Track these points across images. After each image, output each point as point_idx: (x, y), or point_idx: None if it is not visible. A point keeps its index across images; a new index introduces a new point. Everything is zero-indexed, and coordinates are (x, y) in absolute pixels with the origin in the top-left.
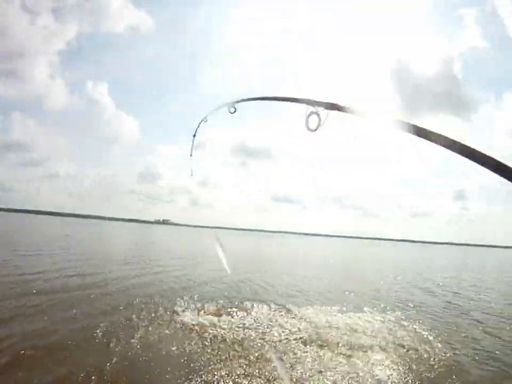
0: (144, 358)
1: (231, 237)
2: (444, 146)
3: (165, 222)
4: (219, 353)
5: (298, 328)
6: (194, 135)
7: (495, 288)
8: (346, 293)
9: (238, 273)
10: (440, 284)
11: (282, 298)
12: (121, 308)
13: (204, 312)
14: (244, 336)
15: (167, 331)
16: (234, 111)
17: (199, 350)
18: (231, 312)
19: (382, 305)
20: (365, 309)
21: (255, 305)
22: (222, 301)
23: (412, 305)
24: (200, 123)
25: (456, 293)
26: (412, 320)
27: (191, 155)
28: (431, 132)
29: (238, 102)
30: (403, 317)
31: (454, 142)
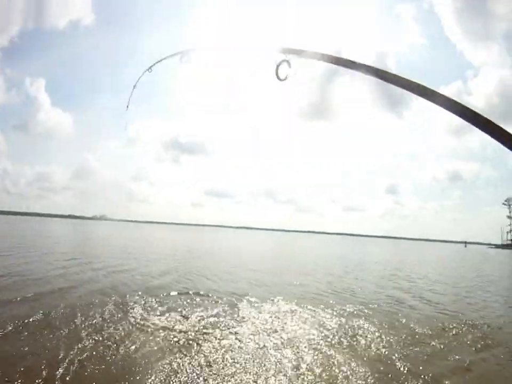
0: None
1: (169, 232)
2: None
3: (101, 218)
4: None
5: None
6: (134, 86)
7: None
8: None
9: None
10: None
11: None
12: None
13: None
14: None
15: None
16: (187, 61)
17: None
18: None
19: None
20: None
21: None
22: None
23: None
24: (144, 72)
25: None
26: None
27: (127, 107)
28: (417, 85)
29: (192, 50)
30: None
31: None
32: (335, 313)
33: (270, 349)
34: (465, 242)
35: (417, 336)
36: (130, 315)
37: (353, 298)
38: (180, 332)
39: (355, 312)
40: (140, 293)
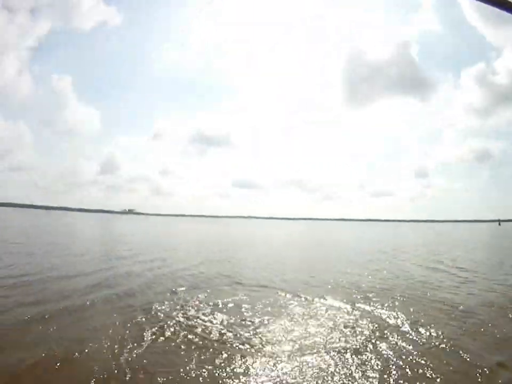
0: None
1: (197, 225)
2: None
3: (130, 212)
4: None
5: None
6: None
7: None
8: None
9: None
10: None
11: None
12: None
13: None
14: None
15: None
16: None
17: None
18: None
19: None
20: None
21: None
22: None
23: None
24: None
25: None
26: None
27: None
28: None
29: None
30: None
31: None
32: None
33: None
34: (499, 221)
35: None
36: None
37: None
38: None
39: None
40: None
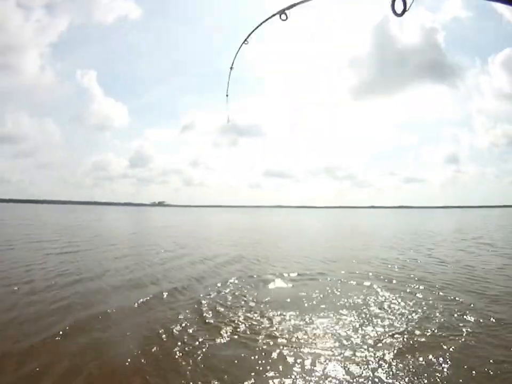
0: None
1: (230, 214)
2: None
3: (160, 204)
4: None
5: None
6: (231, 67)
7: None
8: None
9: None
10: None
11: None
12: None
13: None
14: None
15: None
16: (286, 19)
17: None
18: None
19: None
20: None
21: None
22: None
23: None
24: (241, 46)
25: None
26: None
27: (227, 95)
28: None
29: (291, 7)
30: None
31: None
32: None
33: None
34: None
35: None
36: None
37: None
38: None
39: None
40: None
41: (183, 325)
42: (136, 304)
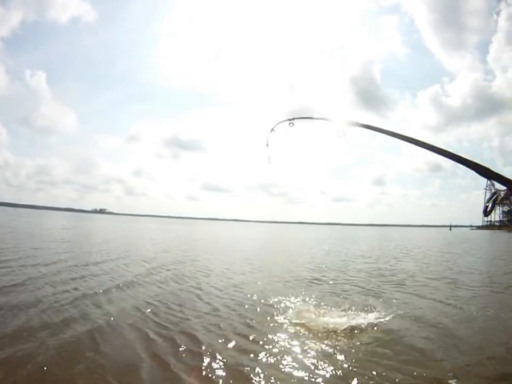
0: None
1: (169, 226)
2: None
3: (101, 211)
4: None
5: None
6: (267, 144)
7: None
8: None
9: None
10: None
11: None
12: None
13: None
14: None
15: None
16: (292, 125)
17: None
18: None
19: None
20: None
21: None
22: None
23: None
24: (270, 133)
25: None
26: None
27: (267, 145)
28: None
29: (295, 119)
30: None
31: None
32: None
33: None
34: (450, 226)
35: None
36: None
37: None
38: None
39: None
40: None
41: None
42: None
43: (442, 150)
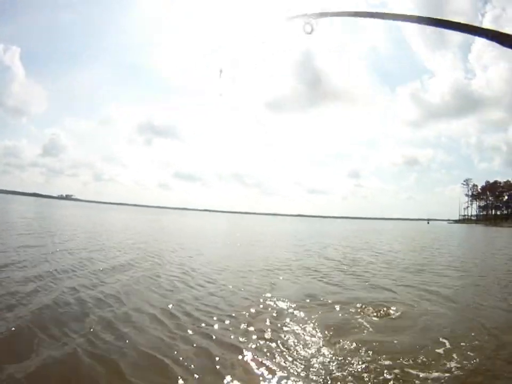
0: None
1: (138, 215)
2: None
3: (68, 197)
4: None
5: None
6: (220, 72)
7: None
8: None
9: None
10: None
11: None
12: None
13: None
14: None
15: None
16: (311, 31)
17: None
18: None
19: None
20: None
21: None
22: None
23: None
24: (223, 61)
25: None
26: None
27: (220, 72)
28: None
29: (318, 17)
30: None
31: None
32: None
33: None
34: (428, 220)
35: None
36: None
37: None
38: None
39: None
40: None
41: None
42: None
43: (449, 21)
